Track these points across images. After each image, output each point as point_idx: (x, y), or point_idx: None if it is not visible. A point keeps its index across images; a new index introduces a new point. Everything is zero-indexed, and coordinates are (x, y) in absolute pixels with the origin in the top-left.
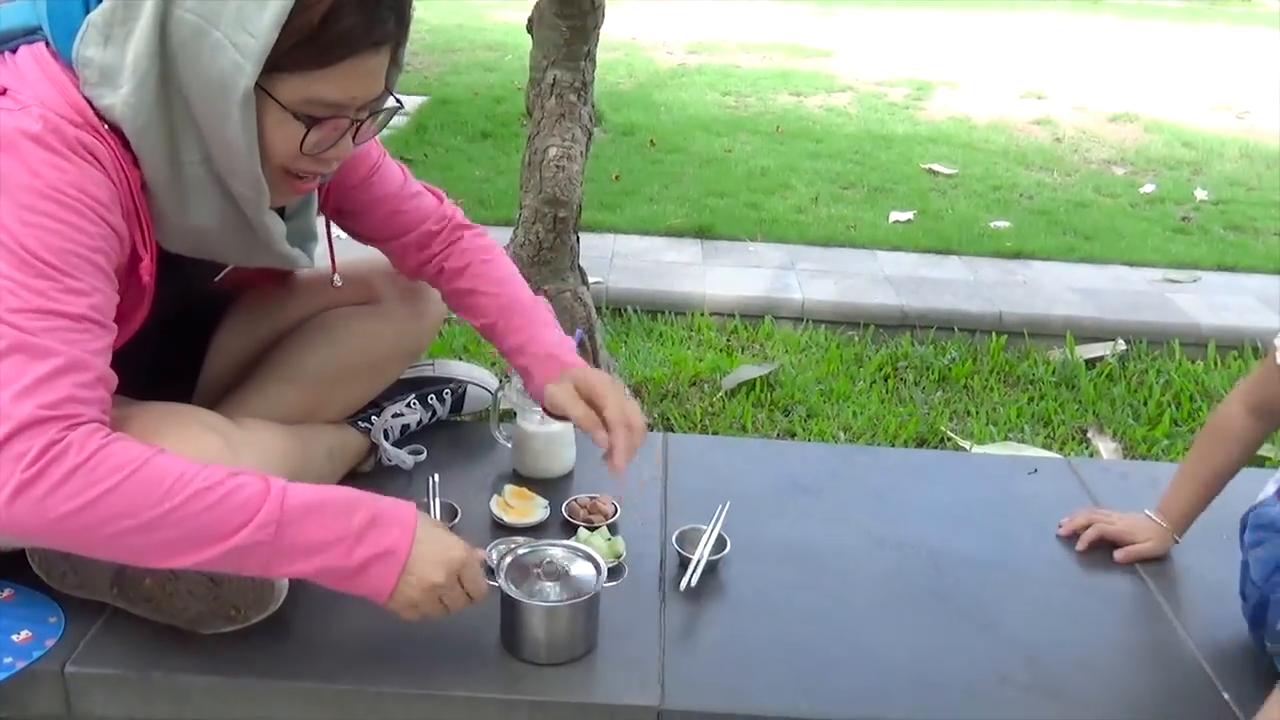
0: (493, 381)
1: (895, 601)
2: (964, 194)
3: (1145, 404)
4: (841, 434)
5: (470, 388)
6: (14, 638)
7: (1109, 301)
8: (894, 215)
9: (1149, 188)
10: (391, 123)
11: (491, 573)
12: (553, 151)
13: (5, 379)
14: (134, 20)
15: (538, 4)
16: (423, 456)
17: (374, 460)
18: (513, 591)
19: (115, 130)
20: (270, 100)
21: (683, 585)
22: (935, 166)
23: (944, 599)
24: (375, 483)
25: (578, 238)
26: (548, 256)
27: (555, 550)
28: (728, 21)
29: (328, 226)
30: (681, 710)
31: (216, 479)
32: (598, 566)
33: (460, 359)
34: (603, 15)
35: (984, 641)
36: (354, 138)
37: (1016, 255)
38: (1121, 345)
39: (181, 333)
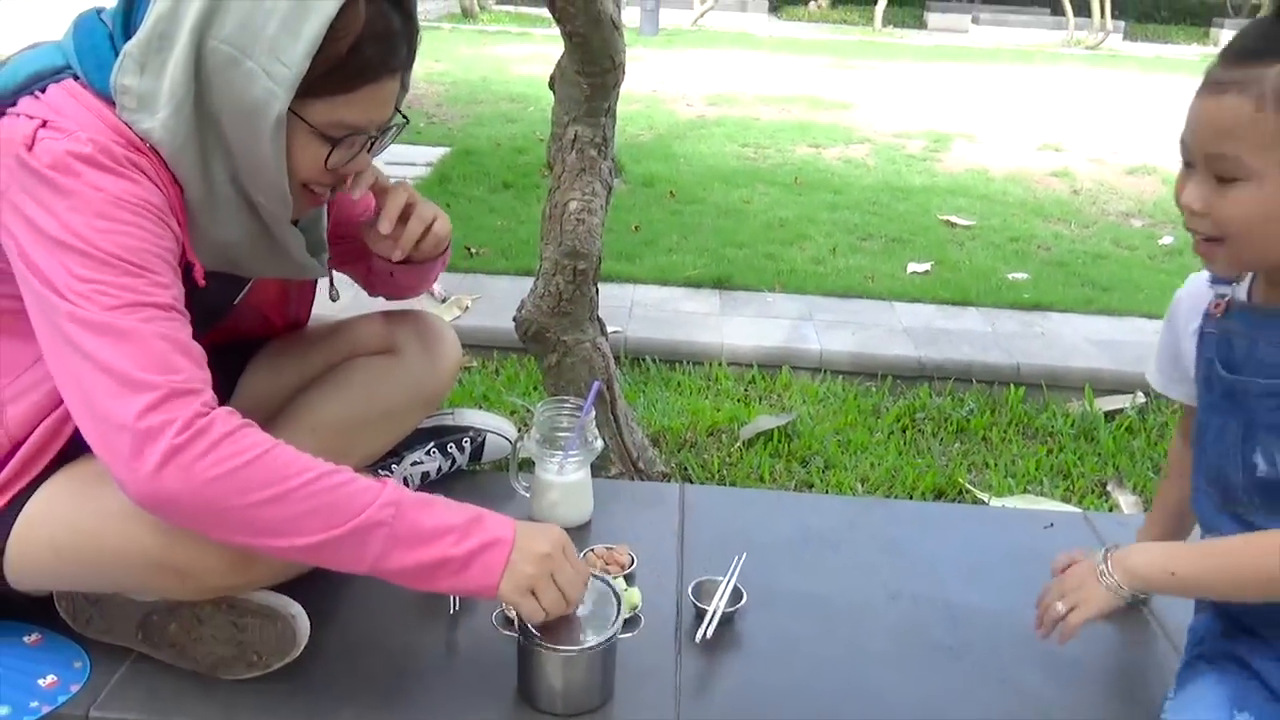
0: (512, 431)
1: (910, 654)
2: (982, 245)
3: (1165, 457)
4: (859, 485)
5: (489, 436)
6: (40, 682)
7: (1128, 353)
8: (912, 266)
9: (1167, 240)
10: (414, 173)
11: (509, 622)
12: (573, 205)
13: (130, 362)
14: (169, 50)
15: (560, 61)
16: None
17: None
18: (530, 641)
19: (154, 150)
20: (299, 122)
21: (698, 637)
22: (953, 218)
23: (959, 653)
24: None
25: (597, 289)
26: (567, 308)
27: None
28: (747, 74)
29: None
30: None
31: (338, 468)
32: (617, 605)
33: (479, 408)
34: (623, 73)
35: (998, 695)
36: (369, 151)
37: (1034, 307)
38: (1141, 398)
39: None
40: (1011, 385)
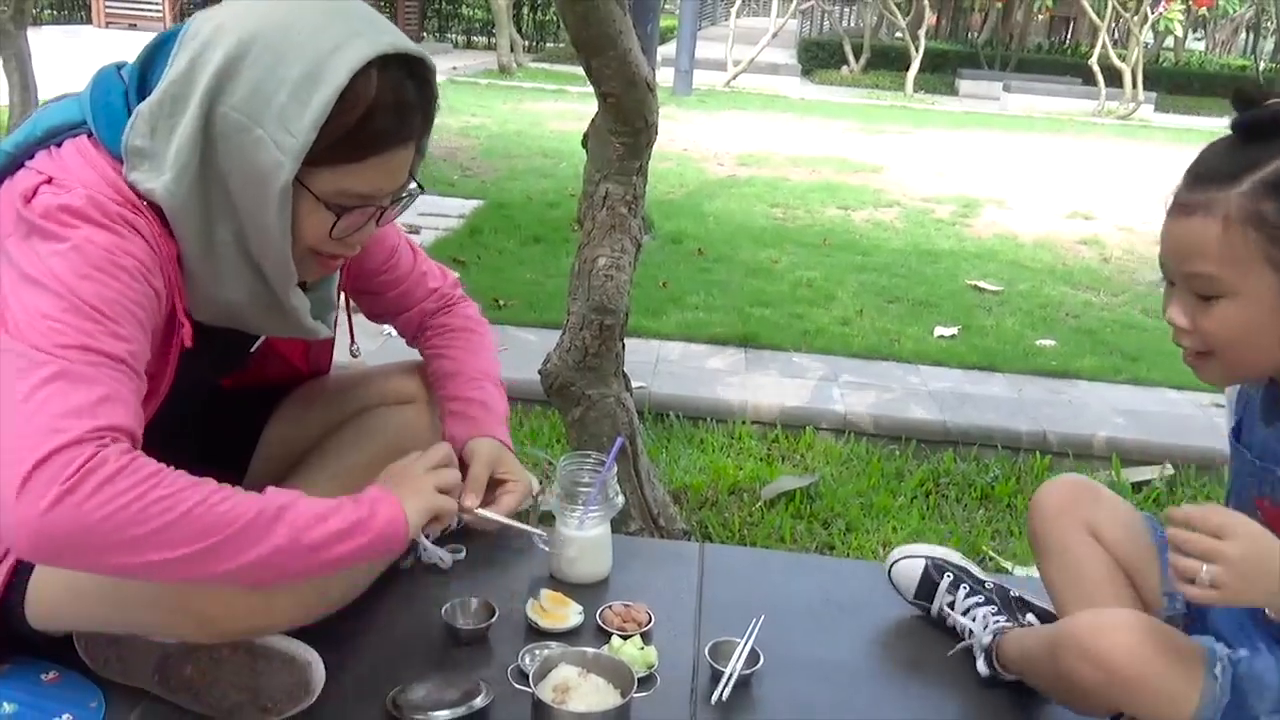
0: (534, 484)
1: None
2: (1009, 311)
3: None
4: (881, 549)
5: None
6: None
7: (1155, 424)
8: (938, 330)
9: None
10: (446, 223)
11: (524, 677)
12: (602, 261)
13: (53, 402)
14: (180, 114)
15: (593, 119)
16: (461, 555)
17: (413, 557)
18: (545, 698)
19: (154, 208)
20: (305, 191)
21: (714, 698)
22: (981, 283)
23: None
24: (414, 580)
25: (623, 345)
26: (593, 363)
27: (588, 657)
28: (778, 135)
29: (346, 303)
30: None
31: (221, 485)
32: (630, 675)
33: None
34: (655, 132)
35: None
36: (378, 222)
37: (1061, 374)
38: (1169, 469)
39: (227, 426)
40: (1037, 453)
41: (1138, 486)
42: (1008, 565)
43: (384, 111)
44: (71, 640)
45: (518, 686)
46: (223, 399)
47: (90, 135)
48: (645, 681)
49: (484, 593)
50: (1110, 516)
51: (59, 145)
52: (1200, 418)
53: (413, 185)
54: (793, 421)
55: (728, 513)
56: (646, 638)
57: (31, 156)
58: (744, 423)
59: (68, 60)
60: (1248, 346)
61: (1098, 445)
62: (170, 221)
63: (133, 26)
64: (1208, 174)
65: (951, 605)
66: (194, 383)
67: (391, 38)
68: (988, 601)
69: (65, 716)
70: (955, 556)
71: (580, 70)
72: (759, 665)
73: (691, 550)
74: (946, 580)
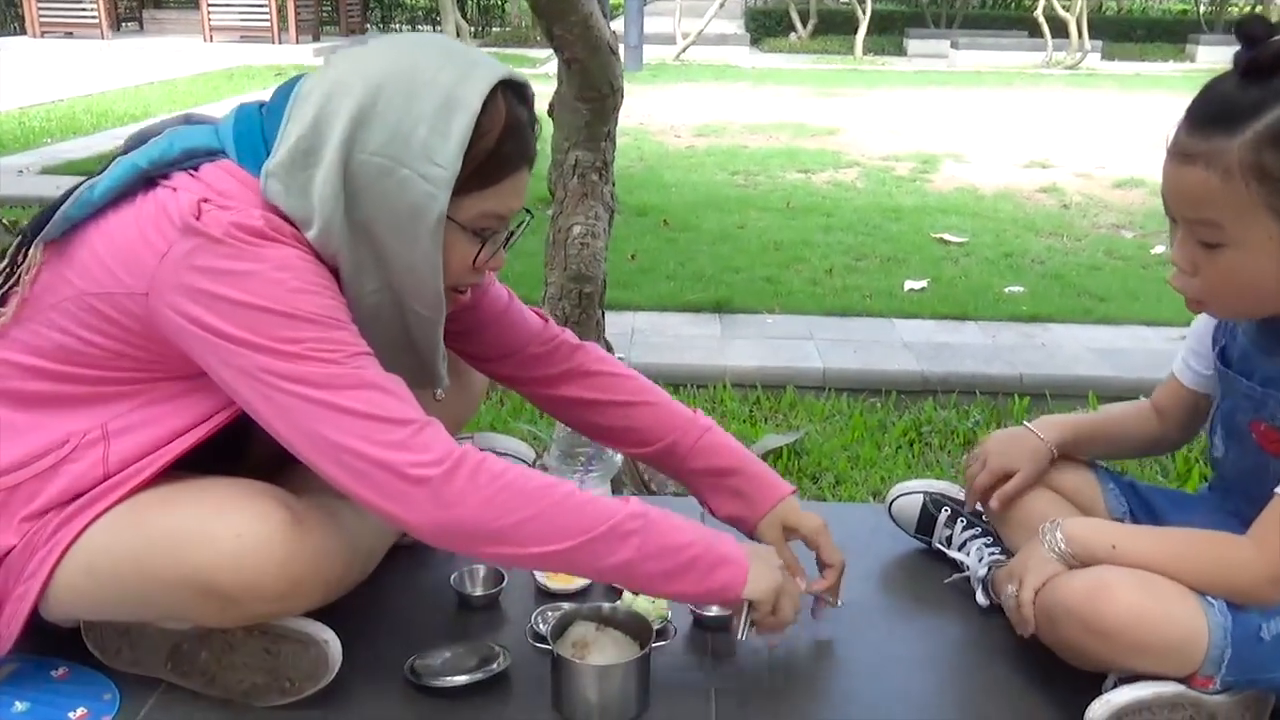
0: (529, 453)
1: (943, 656)
2: (976, 261)
3: (1173, 460)
4: (871, 498)
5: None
6: (70, 715)
7: (1130, 361)
8: (908, 284)
9: (1159, 249)
10: None
11: (541, 638)
12: (577, 229)
13: (375, 407)
14: (314, 167)
15: (558, 89)
16: None
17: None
18: (565, 654)
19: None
20: (451, 223)
21: (741, 634)
22: (946, 236)
23: (992, 653)
24: (418, 552)
25: (603, 313)
26: (575, 332)
27: (604, 612)
28: (732, 105)
29: None
30: None
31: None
32: (648, 626)
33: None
34: (621, 97)
35: (1038, 689)
36: (505, 246)
37: (1033, 319)
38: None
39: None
40: (1016, 396)
41: None
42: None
43: (512, 132)
44: (77, 635)
45: (536, 646)
46: None
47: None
48: (661, 632)
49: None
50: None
51: (196, 169)
52: (1172, 352)
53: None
54: (773, 382)
55: None
56: None
57: (167, 176)
58: (724, 386)
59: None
60: (1250, 292)
61: (1075, 385)
62: None
63: (69, 35)
64: (1209, 118)
65: (949, 539)
66: None
67: (502, 67)
68: (983, 533)
69: (80, 711)
70: (954, 489)
71: (529, 53)
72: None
73: (693, 505)
74: (944, 515)
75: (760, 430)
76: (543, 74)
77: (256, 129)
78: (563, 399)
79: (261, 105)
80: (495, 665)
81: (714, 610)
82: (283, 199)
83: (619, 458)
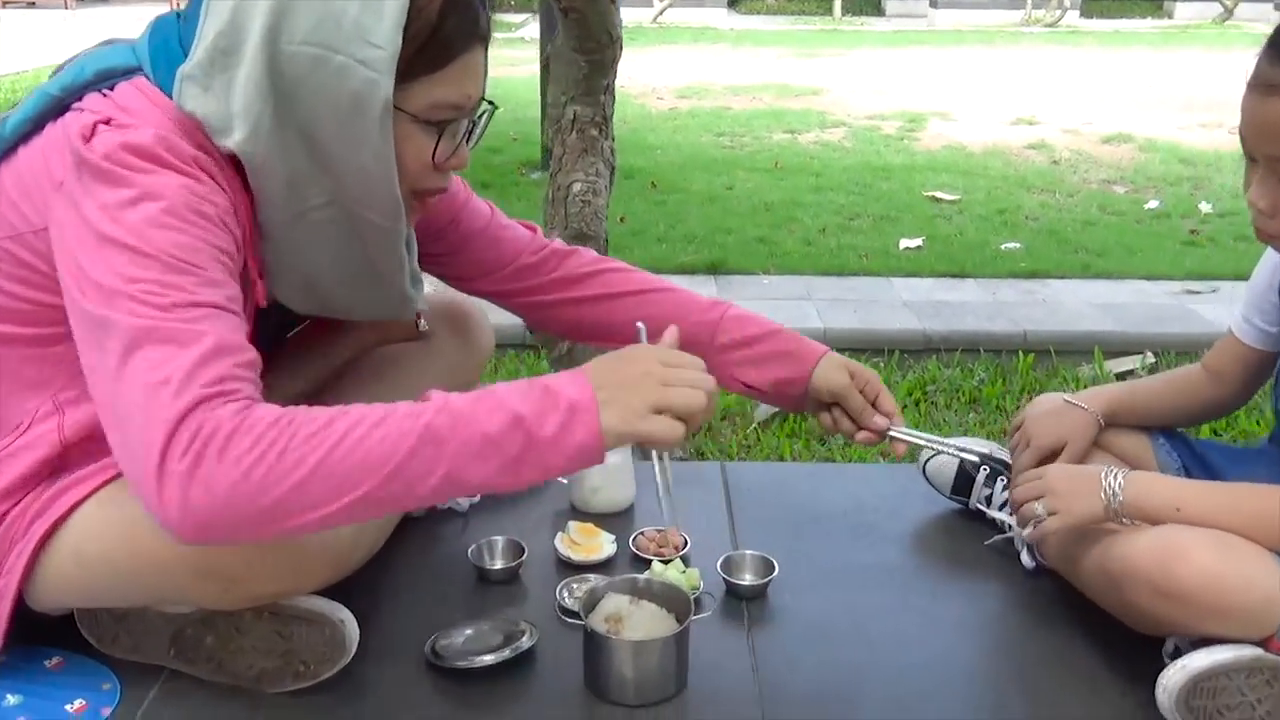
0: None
1: (991, 623)
2: (970, 219)
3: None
4: (881, 459)
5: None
6: (68, 708)
7: (1132, 315)
8: (903, 243)
9: (1153, 204)
10: None
11: (570, 613)
12: (577, 187)
13: (152, 372)
14: (236, 67)
15: (554, 40)
16: (477, 498)
17: None
18: (598, 628)
19: (229, 159)
20: (400, 114)
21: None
22: (937, 194)
23: (1040, 616)
24: (431, 525)
25: None
26: None
27: (638, 584)
28: (713, 67)
29: None
30: None
31: (362, 408)
32: (686, 599)
33: None
34: (620, 48)
35: (1082, 651)
36: (469, 140)
37: (1032, 275)
38: (1150, 357)
39: None
40: (1020, 353)
41: (1121, 376)
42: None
43: (454, 9)
44: (71, 622)
45: (566, 621)
46: None
47: (148, 79)
48: (697, 604)
49: (507, 531)
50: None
51: (111, 89)
52: (1175, 306)
53: (486, 104)
54: None
55: (723, 438)
56: (685, 561)
57: (80, 99)
58: None
59: None
60: None
61: (1079, 340)
62: (251, 185)
63: (31, 5)
64: None
65: (988, 499)
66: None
67: None
68: None
69: (78, 702)
70: (985, 446)
71: (504, 18)
72: (775, 574)
73: (713, 470)
74: (983, 474)
75: None
76: (518, 38)
77: (174, 37)
78: (565, 303)
79: (180, 13)
80: (522, 643)
81: (748, 578)
82: (201, 103)
83: None
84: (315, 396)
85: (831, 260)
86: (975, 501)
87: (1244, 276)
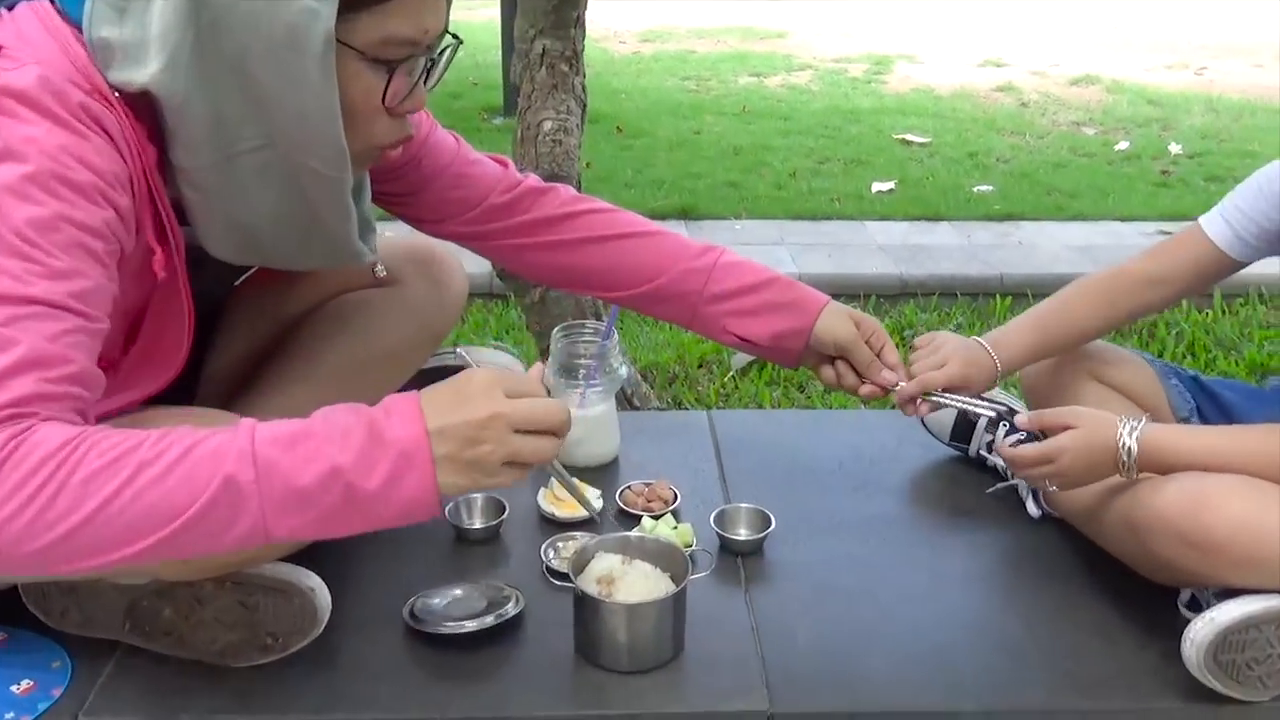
0: (518, 366)
1: (998, 571)
2: (941, 161)
3: (1161, 356)
4: (862, 407)
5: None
6: (14, 689)
7: (1108, 257)
8: (875, 185)
9: (1123, 145)
10: None
11: (559, 574)
12: (547, 125)
13: None
14: None
15: None
16: None
17: None
18: (589, 590)
19: (128, 102)
20: (345, 50)
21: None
22: (908, 136)
23: (1049, 566)
24: None
25: None
26: None
27: (630, 542)
28: (674, 10)
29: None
30: (795, 713)
31: (166, 433)
32: (682, 557)
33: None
34: None
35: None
36: (426, 80)
37: (1006, 218)
38: None
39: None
40: (997, 296)
41: None
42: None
43: None
44: (17, 596)
45: (554, 583)
46: None
47: (53, 3)
48: (692, 562)
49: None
50: (1112, 355)
51: (10, 9)
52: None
53: (449, 38)
54: None
55: (700, 386)
56: (677, 515)
57: None
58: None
59: None
60: None
61: (1055, 283)
62: (168, 126)
63: None
64: None
65: (990, 445)
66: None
67: None
68: (1030, 437)
69: (25, 683)
70: (1003, 399)
71: None
72: (772, 528)
73: (699, 420)
74: (984, 419)
75: None
76: None
77: None
78: (541, 247)
79: None
80: (508, 609)
81: (743, 533)
82: (114, 30)
83: (625, 370)
84: (273, 353)
85: (804, 204)
86: (976, 449)
87: None
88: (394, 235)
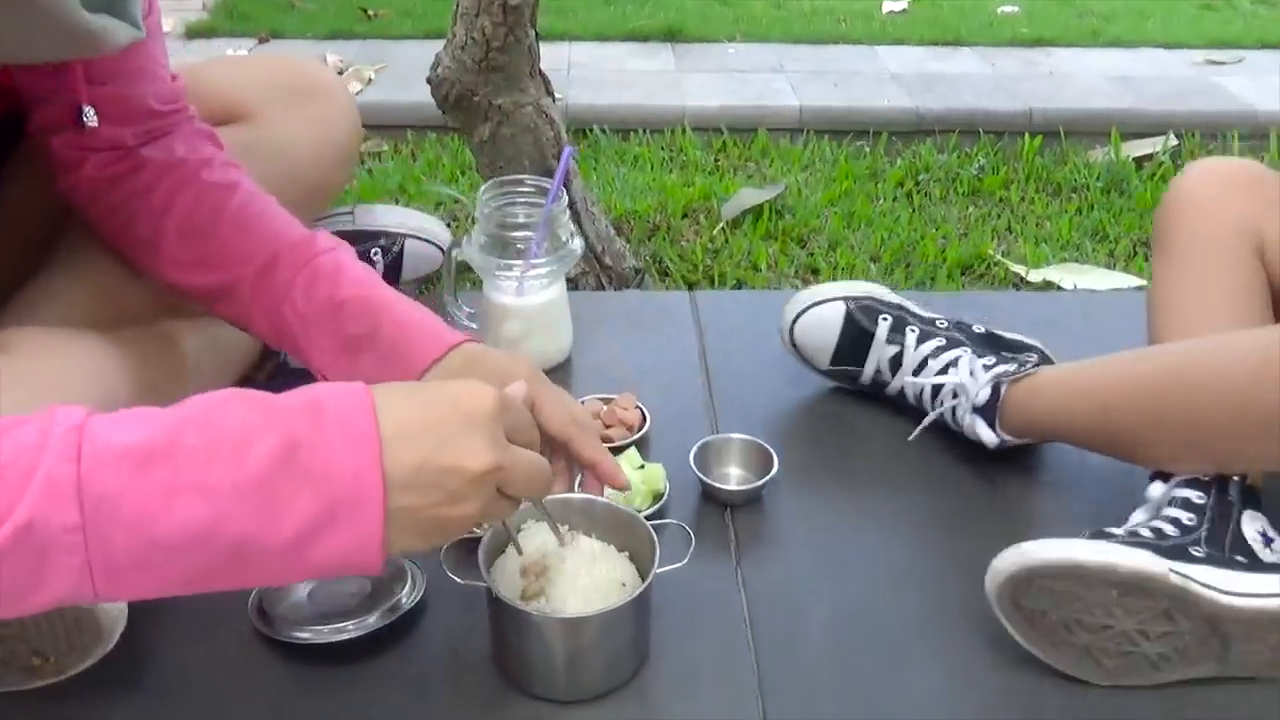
0: (444, 234)
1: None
2: None
3: None
4: (871, 265)
5: (409, 243)
6: None
7: (1150, 90)
8: (887, 5)
9: None
10: None
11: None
12: None
13: None
14: None
15: None
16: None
17: (274, 362)
18: (508, 590)
19: None
20: None
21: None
22: None
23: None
24: None
25: (537, 34)
26: (499, 60)
27: (572, 505)
28: None
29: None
30: None
31: None
32: (649, 537)
33: (396, 202)
34: None
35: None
36: None
37: (1035, 43)
38: (1173, 140)
39: None
40: (1025, 135)
41: (1140, 162)
42: (1019, 269)
43: None
44: None
45: (457, 580)
46: None
47: None
48: (660, 528)
49: None
50: None
51: None
52: (1197, 78)
53: None
54: (740, 124)
55: (684, 240)
56: (643, 447)
57: None
58: (683, 130)
59: None
60: None
61: (1092, 120)
62: None
63: None
64: None
65: (897, 360)
66: None
67: None
68: (964, 341)
69: None
70: (881, 291)
71: None
72: (774, 472)
73: (679, 303)
74: (884, 325)
75: (732, 184)
76: None
77: None
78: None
79: None
80: (404, 595)
81: (735, 476)
82: None
83: (578, 244)
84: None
85: (805, 26)
86: (873, 369)
87: (1270, 44)
88: (247, 56)
